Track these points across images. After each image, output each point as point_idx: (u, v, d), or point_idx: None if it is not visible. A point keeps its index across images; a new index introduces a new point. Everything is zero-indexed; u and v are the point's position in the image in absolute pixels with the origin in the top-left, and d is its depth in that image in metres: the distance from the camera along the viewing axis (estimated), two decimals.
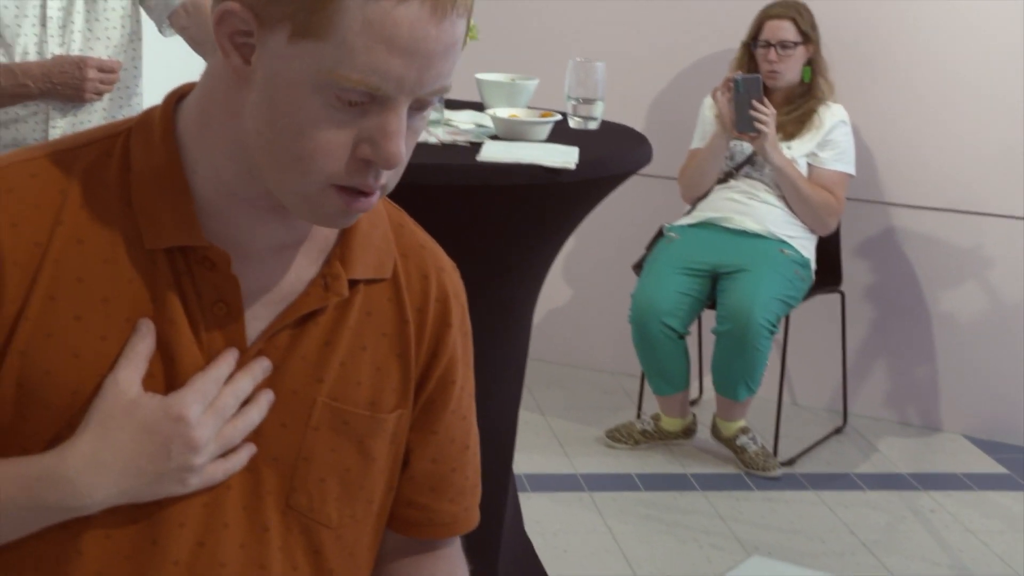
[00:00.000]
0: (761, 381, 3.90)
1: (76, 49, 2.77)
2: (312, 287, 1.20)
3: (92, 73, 2.71)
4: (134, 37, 2.86)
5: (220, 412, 1.15)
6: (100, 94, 2.74)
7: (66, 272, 1.13)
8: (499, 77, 3.23)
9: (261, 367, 1.18)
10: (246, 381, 1.17)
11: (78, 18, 2.77)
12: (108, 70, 2.75)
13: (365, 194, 1.12)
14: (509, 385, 2.94)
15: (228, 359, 1.16)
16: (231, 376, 1.16)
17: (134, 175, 1.16)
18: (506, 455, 2.91)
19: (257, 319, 1.18)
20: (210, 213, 1.16)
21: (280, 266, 1.19)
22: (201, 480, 1.15)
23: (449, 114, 3.09)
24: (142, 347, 1.13)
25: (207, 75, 1.17)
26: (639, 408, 4.32)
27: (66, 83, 2.70)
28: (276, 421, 1.20)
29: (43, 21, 2.74)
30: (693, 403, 4.41)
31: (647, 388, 4.16)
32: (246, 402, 1.18)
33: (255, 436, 1.19)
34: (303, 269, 1.20)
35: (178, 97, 1.20)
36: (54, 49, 2.75)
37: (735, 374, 3.86)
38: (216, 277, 1.16)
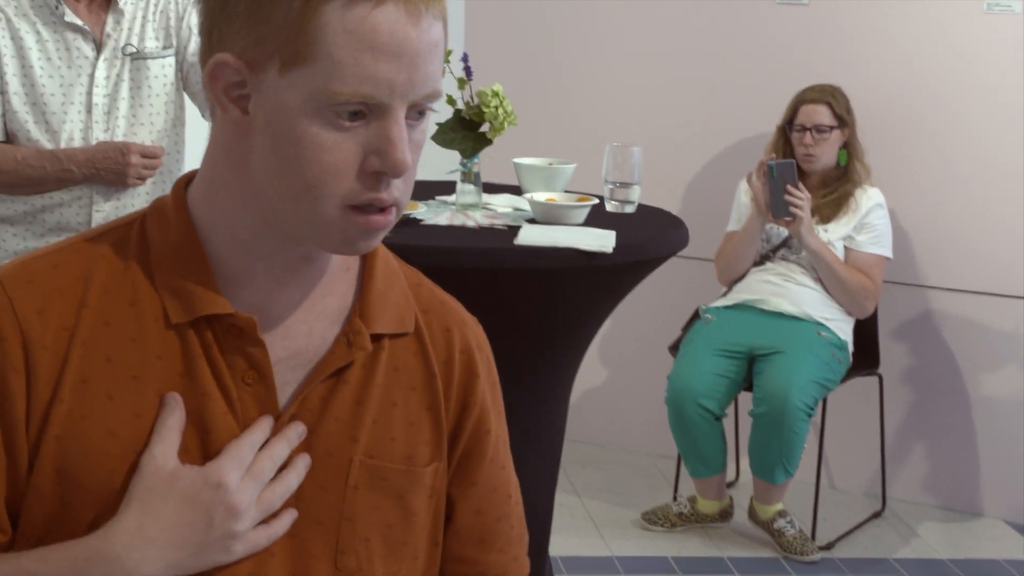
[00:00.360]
0: (799, 464, 3.88)
1: (120, 135, 2.82)
2: (336, 345, 1.21)
3: (135, 159, 2.76)
4: (177, 122, 2.92)
5: (258, 477, 1.16)
6: (143, 179, 2.79)
7: (95, 353, 1.15)
8: (536, 161, 3.27)
9: (296, 431, 1.19)
10: (282, 446, 1.18)
11: (123, 104, 2.83)
12: (151, 155, 2.80)
13: (381, 211, 1.14)
14: (546, 466, 2.94)
15: (263, 425, 1.18)
16: (266, 442, 1.18)
17: (153, 255, 1.19)
18: (542, 537, 2.90)
19: (286, 384, 1.20)
20: (231, 281, 1.19)
21: (303, 329, 1.21)
22: (245, 547, 1.16)
23: (487, 198, 3.12)
24: (172, 421, 1.15)
25: (209, 147, 1.20)
26: (675, 490, 4.29)
27: (110, 168, 2.76)
28: (315, 484, 1.21)
29: (88, 108, 2.80)
30: (730, 485, 4.38)
31: (683, 470, 4.14)
32: (283, 467, 1.19)
33: (295, 500, 1.20)
34: (325, 330, 1.22)
35: (186, 181, 1.23)
36: (99, 135, 2.80)
37: (772, 456, 3.84)
38: (244, 344, 1.18)
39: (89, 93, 2.80)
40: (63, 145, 2.77)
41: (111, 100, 2.82)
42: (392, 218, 1.15)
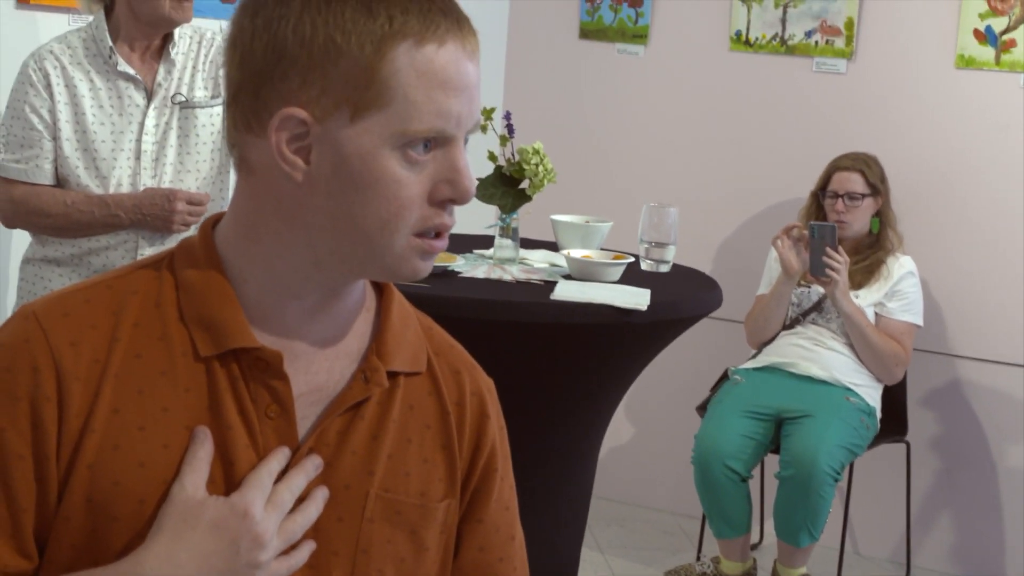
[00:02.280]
0: (823, 528, 3.87)
1: (167, 181, 2.88)
2: (354, 382, 1.25)
3: (181, 206, 2.82)
4: (222, 170, 2.97)
5: (279, 508, 1.19)
6: (188, 225, 2.84)
7: (127, 385, 1.18)
8: (574, 219, 3.31)
9: (313, 464, 1.22)
10: (300, 478, 1.21)
11: (170, 152, 2.89)
12: (197, 203, 2.85)
13: (438, 235, 1.21)
14: (573, 521, 2.96)
15: (279, 455, 1.21)
16: (285, 473, 1.21)
17: (183, 292, 1.22)
18: None
19: (305, 418, 1.23)
20: (259, 318, 1.22)
21: (324, 365, 1.25)
22: None
23: (524, 253, 3.17)
24: (202, 453, 1.18)
25: (242, 197, 1.23)
26: (699, 550, 4.29)
27: (156, 215, 2.81)
28: (333, 516, 1.24)
29: (138, 155, 2.86)
30: (754, 547, 4.38)
31: (708, 530, 4.14)
32: (302, 499, 1.22)
33: (313, 532, 1.23)
34: (344, 367, 1.26)
35: (213, 223, 1.28)
36: (146, 181, 2.86)
37: (797, 520, 3.84)
38: (269, 377, 1.21)
39: (139, 140, 2.86)
40: (112, 190, 2.83)
41: (159, 148, 2.88)
42: (446, 241, 1.23)
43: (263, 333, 1.22)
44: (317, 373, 1.24)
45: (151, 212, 2.81)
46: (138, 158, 2.86)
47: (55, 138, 2.82)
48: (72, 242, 2.86)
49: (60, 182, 2.85)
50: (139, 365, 1.19)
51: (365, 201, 1.17)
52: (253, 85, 1.18)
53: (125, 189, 2.84)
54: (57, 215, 2.81)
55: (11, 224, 2.93)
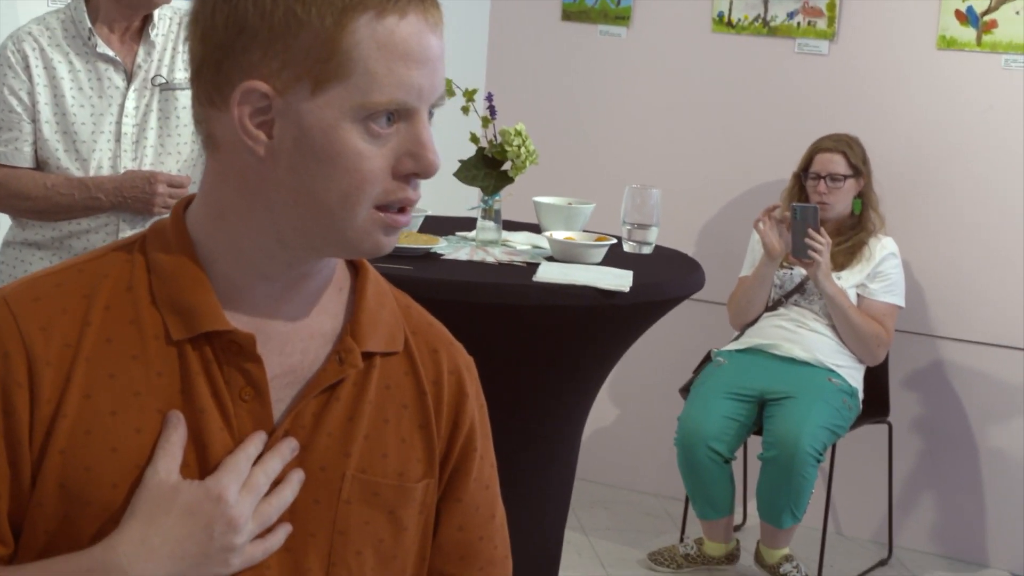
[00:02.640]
0: (806, 509, 3.89)
1: (148, 164, 2.86)
2: (328, 363, 1.24)
3: (162, 188, 2.81)
4: (203, 152, 2.96)
5: (254, 491, 1.19)
6: (169, 208, 2.83)
7: (98, 370, 1.18)
8: (556, 200, 3.31)
9: (289, 447, 1.22)
10: (275, 461, 1.21)
11: (151, 134, 2.88)
12: (177, 185, 2.84)
13: (402, 211, 1.20)
14: (556, 504, 2.96)
15: (256, 440, 1.21)
16: (261, 457, 1.21)
17: (154, 275, 1.22)
18: (551, 572, 2.92)
19: (280, 400, 1.23)
20: (231, 300, 1.22)
21: (298, 347, 1.24)
22: (242, 561, 1.19)
23: (506, 235, 3.16)
24: (175, 437, 1.18)
25: (209, 176, 1.23)
26: (682, 531, 4.31)
27: (136, 197, 2.80)
28: (309, 498, 1.23)
29: (118, 137, 2.84)
30: (737, 528, 4.39)
31: (691, 511, 4.15)
32: (278, 482, 1.21)
33: (290, 515, 1.22)
34: (319, 348, 1.25)
35: (184, 205, 1.27)
36: (127, 164, 2.84)
37: (780, 501, 3.85)
38: (242, 360, 1.21)
39: (119, 123, 2.84)
40: (92, 173, 2.82)
41: (140, 130, 2.86)
42: (410, 216, 1.22)
43: (235, 315, 1.21)
44: (291, 354, 1.24)
45: (132, 195, 2.80)
46: (118, 140, 2.84)
47: (34, 120, 2.80)
48: (52, 225, 2.85)
49: (40, 165, 2.83)
50: (110, 349, 1.19)
51: (326, 175, 1.16)
52: (215, 59, 1.17)
53: (105, 172, 2.83)
54: (37, 198, 2.80)
55: None
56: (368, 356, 1.27)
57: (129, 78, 2.86)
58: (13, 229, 2.91)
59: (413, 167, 1.17)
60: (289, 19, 1.14)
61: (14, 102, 2.79)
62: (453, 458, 1.33)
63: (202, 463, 1.19)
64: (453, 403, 1.33)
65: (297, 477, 1.22)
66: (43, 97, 2.80)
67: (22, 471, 1.17)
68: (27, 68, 2.79)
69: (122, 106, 2.84)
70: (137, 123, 2.86)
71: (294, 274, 1.23)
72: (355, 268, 1.31)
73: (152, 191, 2.79)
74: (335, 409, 1.24)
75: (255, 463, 1.20)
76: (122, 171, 2.83)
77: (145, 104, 2.86)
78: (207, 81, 1.18)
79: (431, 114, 1.20)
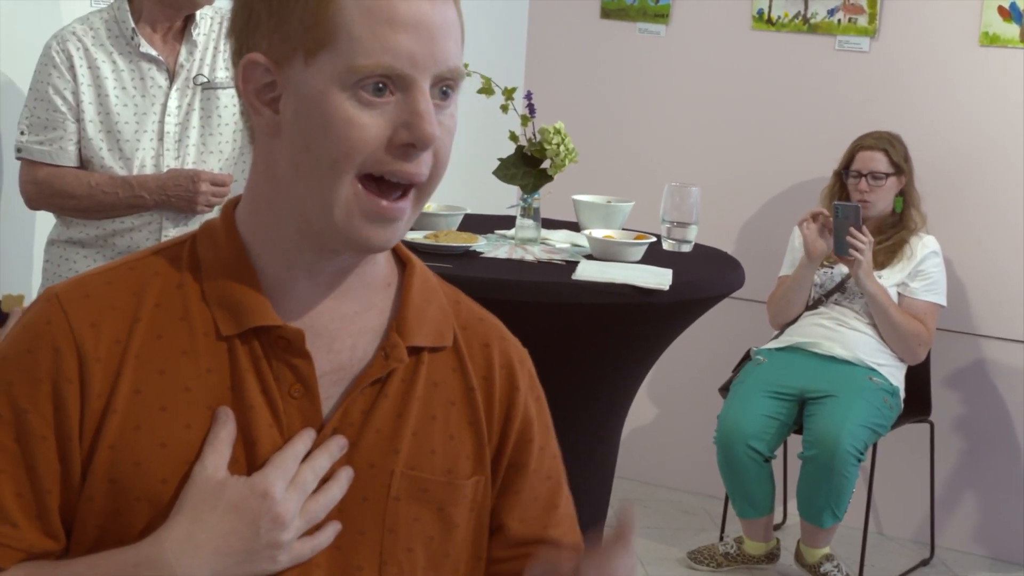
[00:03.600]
0: (847, 508, 3.87)
1: (190, 162, 2.89)
2: (375, 359, 1.24)
3: (205, 186, 2.83)
4: (245, 150, 2.98)
5: (301, 488, 1.19)
6: (211, 206, 2.85)
7: (148, 366, 1.18)
8: (596, 199, 3.31)
9: (337, 444, 1.21)
10: (323, 458, 1.20)
11: (193, 133, 2.90)
12: (220, 183, 2.86)
13: (395, 199, 1.16)
14: (597, 500, 2.96)
15: (304, 437, 1.20)
16: (309, 454, 1.20)
17: (204, 272, 1.22)
18: None
19: (329, 397, 1.23)
20: (280, 296, 1.22)
21: (347, 343, 1.24)
22: (290, 558, 1.19)
23: (545, 233, 3.16)
24: (224, 433, 1.18)
25: (251, 168, 1.25)
26: (722, 530, 4.29)
27: (180, 196, 2.82)
28: (358, 495, 1.23)
29: (161, 136, 2.87)
30: (777, 527, 4.38)
31: (731, 510, 4.14)
32: (327, 479, 1.21)
33: (339, 513, 1.22)
34: (367, 344, 1.25)
35: (234, 204, 1.27)
36: (170, 162, 2.87)
37: (821, 500, 3.84)
38: (291, 356, 1.21)
39: (161, 121, 2.87)
40: (135, 172, 2.84)
41: (182, 128, 2.88)
42: (406, 208, 1.17)
43: (284, 311, 1.22)
44: (340, 351, 1.23)
45: (175, 193, 2.82)
46: (161, 139, 2.86)
47: (79, 120, 2.82)
48: (96, 223, 2.88)
49: (84, 164, 2.86)
50: (160, 345, 1.19)
51: (319, 144, 1.15)
52: (236, 47, 1.20)
53: (148, 170, 2.85)
54: (81, 196, 2.82)
55: (35, 206, 2.94)
56: (416, 352, 1.26)
57: (171, 77, 2.88)
58: (57, 228, 2.94)
59: (408, 137, 1.14)
60: None
61: (59, 101, 2.81)
62: (507, 452, 1.32)
63: (251, 460, 1.19)
64: (505, 398, 1.31)
65: (346, 475, 1.22)
66: (87, 96, 2.82)
67: (72, 466, 1.17)
68: (71, 68, 2.81)
69: (165, 105, 2.86)
70: (180, 122, 2.88)
71: (332, 268, 1.22)
72: (402, 263, 1.31)
73: (195, 189, 2.81)
74: (383, 405, 1.24)
75: (303, 460, 1.20)
76: (165, 170, 2.85)
77: (187, 103, 2.88)
78: (234, 63, 1.21)
79: (447, 93, 1.18)
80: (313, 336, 1.22)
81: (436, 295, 1.31)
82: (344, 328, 1.24)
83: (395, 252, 1.30)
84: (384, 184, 1.16)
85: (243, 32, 1.19)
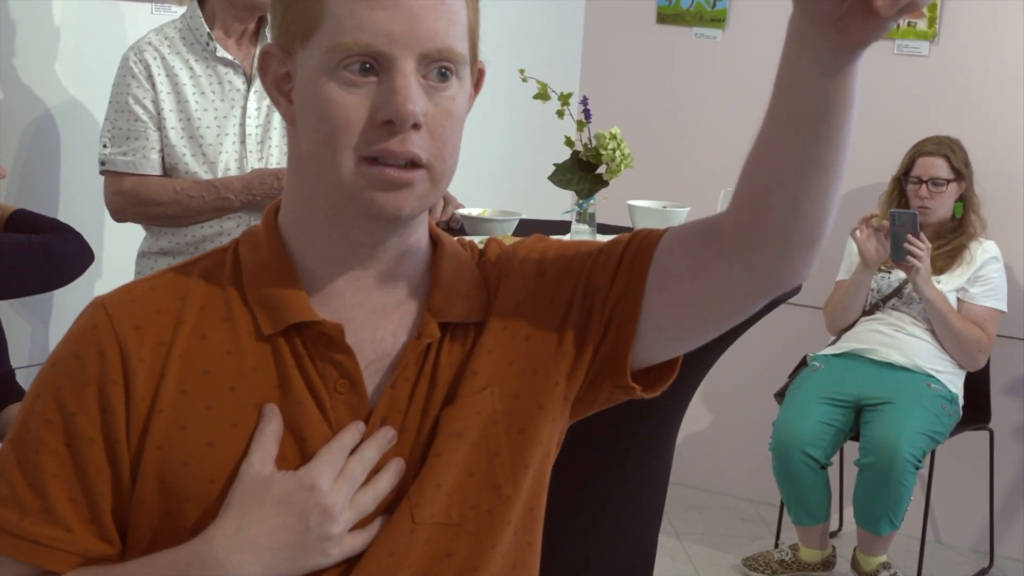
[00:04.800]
0: (904, 516, 3.84)
1: (274, 162, 2.90)
2: (410, 342, 1.24)
3: None
4: None
5: (349, 480, 1.19)
6: None
7: (193, 366, 1.20)
8: (651, 204, 3.30)
9: (385, 436, 1.21)
10: (371, 450, 1.21)
11: (275, 134, 2.91)
12: None
13: (401, 168, 1.15)
14: (651, 509, 2.95)
15: (352, 430, 1.21)
16: (357, 446, 1.21)
17: (246, 275, 1.23)
18: None
19: (377, 387, 1.23)
20: (319, 292, 1.23)
21: (389, 331, 1.24)
22: (341, 551, 1.19)
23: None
24: (270, 430, 1.19)
25: (287, 168, 1.27)
26: (777, 537, 4.27)
27: (266, 194, 2.82)
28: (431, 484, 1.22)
29: (242, 138, 2.88)
30: (833, 535, 4.35)
31: (786, 517, 4.12)
32: (376, 471, 1.21)
33: (392, 498, 1.22)
34: (403, 332, 1.25)
35: (275, 208, 1.29)
36: (253, 164, 2.88)
37: (878, 508, 3.81)
38: (333, 351, 1.21)
39: (242, 124, 2.88)
40: (220, 175, 2.86)
41: (264, 130, 2.90)
42: (416, 178, 1.16)
43: (327, 308, 1.22)
44: (383, 340, 1.24)
45: (261, 191, 2.82)
46: (243, 142, 2.88)
47: (160, 128, 2.84)
48: (184, 231, 2.87)
49: (168, 171, 2.86)
50: (204, 346, 1.21)
51: (312, 128, 1.17)
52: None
53: (233, 173, 2.87)
54: (168, 203, 2.83)
55: (122, 217, 2.93)
56: (448, 326, 1.25)
57: (249, 80, 2.90)
58: (147, 240, 2.95)
59: (385, 114, 1.15)
60: None
61: (139, 111, 2.83)
62: (604, 301, 1.27)
63: (301, 456, 1.20)
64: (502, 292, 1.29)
65: (396, 465, 1.22)
66: (167, 104, 2.84)
67: (121, 468, 1.19)
68: (150, 77, 2.84)
69: (244, 108, 2.88)
70: (260, 124, 2.89)
71: (364, 259, 1.22)
72: (434, 245, 1.30)
73: (281, 187, 2.82)
74: (424, 386, 1.24)
75: (351, 453, 1.20)
76: (249, 171, 2.87)
77: (267, 105, 2.90)
78: None
79: (445, 75, 1.17)
80: (356, 328, 1.22)
81: (469, 272, 1.29)
82: (386, 318, 1.24)
83: (430, 235, 1.30)
84: (385, 161, 1.16)
85: (270, 27, 1.24)
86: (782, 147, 1.15)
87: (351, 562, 1.20)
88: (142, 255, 2.96)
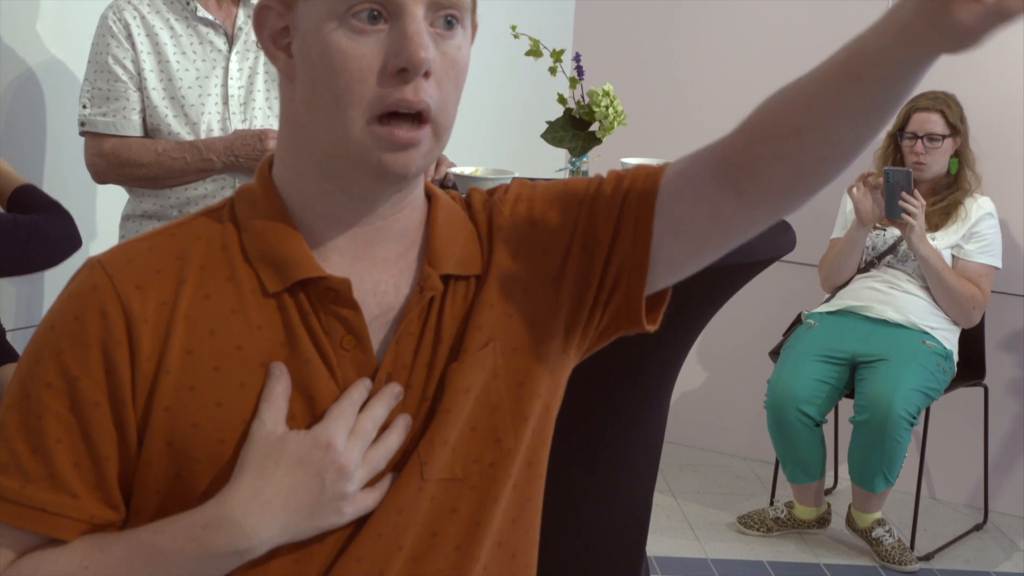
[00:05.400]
0: (899, 473, 3.84)
1: (258, 124, 2.86)
2: (411, 295, 1.23)
3: (273, 144, 2.81)
4: None
5: (362, 437, 1.18)
6: None
7: (198, 326, 1.18)
8: (645, 161, 3.28)
9: (392, 392, 1.21)
10: (380, 407, 1.20)
11: (258, 96, 2.88)
12: None
13: (409, 126, 1.14)
14: (646, 466, 2.95)
15: (360, 387, 1.20)
16: (366, 403, 1.20)
17: (245, 232, 1.22)
18: (640, 536, 2.91)
19: (381, 342, 1.22)
20: (321, 247, 1.21)
21: (391, 285, 1.23)
22: (355, 509, 1.18)
23: None
24: (279, 388, 1.17)
25: (278, 122, 1.24)
26: (772, 495, 4.28)
27: (248, 155, 2.80)
28: (418, 433, 1.22)
29: (225, 100, 2.85)
30: (828, 492, 4.35)
31: (781, 475, 4.12)
32: (385, 427, 1.20)
33: (400, 454, 1.21)
34: (404, 285, 1.24)
35: (269, 163, 1.27)
36: (236, 125, 2.85)
37: (872, 465, 3.81)
38: (340, 306, 1.20)
39: (224, 85, 2.85)
40: (203, 136, 2.83)
41: (247, 91, 2.87)
42: (422, 136, 1.15)
43: (328, 263, 1.21)
44: (386, 293, 1.23)
45: (243, 153, 2.79)
46: (226, 103, 2.85)
47: (141, 88, 2.81)
48: (168, 193, 2.85)
49: (150, 132, 2.83)
50: (209, 305, 1.19)
51: (320, 80, 1.15)
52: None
53: (215, 134, 2.84)
54: (149, 164, 2.81)
55: (103, 179, 2.90)
56: (449, 279, 1.25)
57: (231, 41, 2.87)
58: (131, 203, 2.93)
59: (399, 62, 1.13)
60: None
61: (119, 71, 2.80)
62: (571, 264, 1.28)
63: (311, 413, 1.19)
64: (495, 242, 1.29)
65: (403, 421, 1.21)
66: (148, 64, 2.80)
67: (128, 431, 1.17)
68: (129, 36, 2.80)
69: (226, 69, 2.85)
70: (243, 85, 2.86)
71: (363, 214, 1.21)
72: (428, 197, 1.29)
73: (263, 148, 2.79)
74: (429, 340, 1.23)
75: (361, 410, 1.19)
76: (232, 132, 2.84)
77: (249, 66, 2.87)
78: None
79: (451, 23, 1.16)
80: (357, 283, 1.21)
81: (463, 225, 1.28)
82: (387, 271, 1.23)
83: (424, 190, 1.29)
84: (394, 117, 1.14)
85: None
86: (838, 98, 1.14)
87: (360, 520, 1.20)
88: (126, 218, 2.93)
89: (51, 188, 3.09)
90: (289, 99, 1.21)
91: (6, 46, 3.11)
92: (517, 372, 1.25)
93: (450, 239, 1.26)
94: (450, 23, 1.16)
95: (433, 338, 1.23)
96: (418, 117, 1.15)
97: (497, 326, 1.25)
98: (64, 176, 3.07)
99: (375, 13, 1.13)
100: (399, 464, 1.22)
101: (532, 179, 1.36)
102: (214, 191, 2.85)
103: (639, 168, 1.30)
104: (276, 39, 1.20)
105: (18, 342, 2.87)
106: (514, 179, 1.36)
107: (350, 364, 1.20)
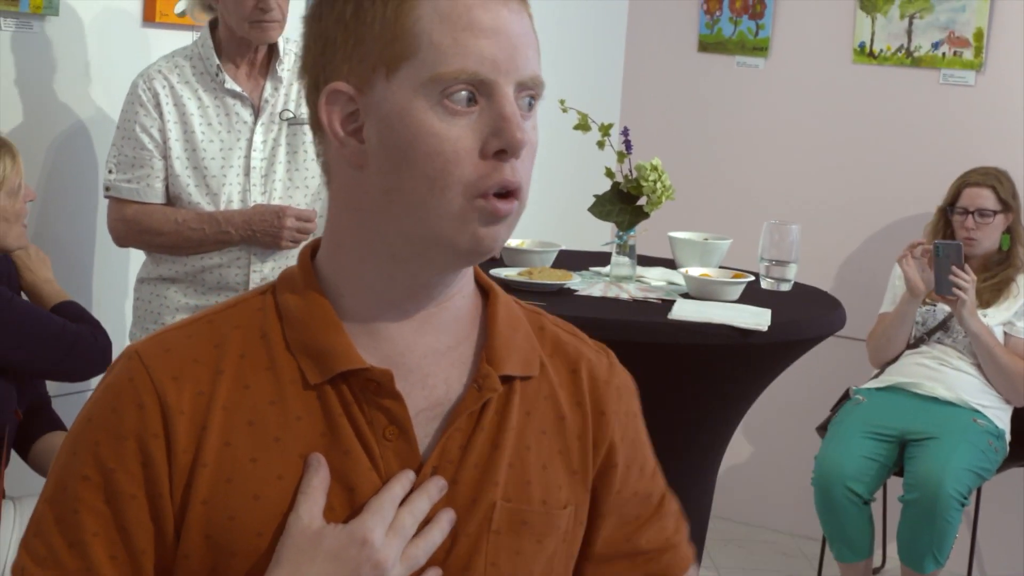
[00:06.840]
0: (949, 554, 3.77)
1: (277, 198, 2.90)
2: (467, 392, 1.21)
3: (290, 222, 2.84)
4: (322, 190, 2.98)
5: (400, 533, 1.16)
6: (297, 242, 2.85)
7: (236, 417, 1.16)
8: (692, 236, 3.27)
9: (436, 486, 1.18)
10: (423, 501, 1.18)
11: (279, 168, 2.91)
12: (305, 219, 2.87)
13: (503, 198, 1.14)
14: (692, 540, 2.91)
15: (401, 480, 1.18)
16: (408, 497, 1.18)
17: (285, 321, 1.20)
18: None
19: (426, 436, 1.20)
20: (366, 335, 1.19)
21: (440, 378, 1.21)
22: None
23: (641, 270, 3.13)
24: (317, 481, 1.15)
25: (330, 209, 1.22)
26: (819, 573, 4.21)
27: (265, 231, 2.83)
28: (462, 532, 1.20)
29: (247, 171, 2.89)
30: (876, 571, 4.28)
31: (828, 553, 4.06)
32: (427, 521, 1.18)
33: (443, 552, 1.19)
34: (459, 378, 1.22)
35: (312, 249, 1.25)
36: (256, 197, 2.88)
37: (922, 545, 3.74)
38: (382, 398, 1.18)
39: (247, 157, 2.88)
40: (222, 207, 2.86)
41: (268, 164, 2.90)
42: (514, 208, 1.15)
43: (372, 352, 1.19)
44: (435, 387, 1.21)
45: (261, 228, 2.83)
46: (247, 174, 2.88)
47: (165, 157, 2.85)
48: (185, 260, 2.89)
49: (171, 200, 2.88)
50: (247, 396, 1.17)
51: (410, 163, 1.13)
52: (312, 79, 1.19)
53: (235, 206, 2.87)
54: (168, 233, 2.85)
55: (124, 243, 2.97)
56: (508, 380, 1.23)
57: (256, 113, 2.90)
58: (147, 265, 2.97)
59: (498, 144, 1.12)
60: (359, 14, 1.15)
61: (146, 139, 2.84)
62: (590, 477, 1.29)
63: (350, 506, 1.17)
64: (595, 427, 1.29)
65: (447, 517, 1.19)
66: (174, 133, 2.85)
67: (165, 524, 1.16)
68: (158, 105, 2.85)
69: (250, 141, 2.88)
70: (265, 157, 2.90)
71: (422, 300, 1.20)
72: (485, 293, 1.28)
73: (280, 225, 2.83)
74: (480, 438, 1.21)
75: (402, 504, 1.17)
76: (251, 205, 2.87)
77: (273, 138, 2.90)
78: (312, 104, 1.20)
79: (531, 104, 1.16)
80: (405, 373, 1.19)
81: (522, 324, 1.28)
82: (436, 363, 1.21)
83: (477, 283, 1.28)
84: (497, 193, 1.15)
85: (318, 62, 1.18)
86: None
87: None
88: (141, 281, 2.98)
89: (102, 239, 3.14)
90: (353, 186, 1.18)
91: (60, 103, 3.17)
92: (539, 492, 1.25)
93: (509, 338, 1.25)
94: (531, 104, 1.16)
95: (486, 439, 1.21)
96: (508, 193, 1.15)
97: (536, 441, 1.25)
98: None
99: (468, 94, 1.13)
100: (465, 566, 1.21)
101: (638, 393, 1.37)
102: (229, 261, 2.89)
103: (678, 548, 1.36)
104: (343, 125, 1.17)
105: (62, 408, 2.89)
106: (629, 377, 1.36)
107: (393, 456, 1.18)
